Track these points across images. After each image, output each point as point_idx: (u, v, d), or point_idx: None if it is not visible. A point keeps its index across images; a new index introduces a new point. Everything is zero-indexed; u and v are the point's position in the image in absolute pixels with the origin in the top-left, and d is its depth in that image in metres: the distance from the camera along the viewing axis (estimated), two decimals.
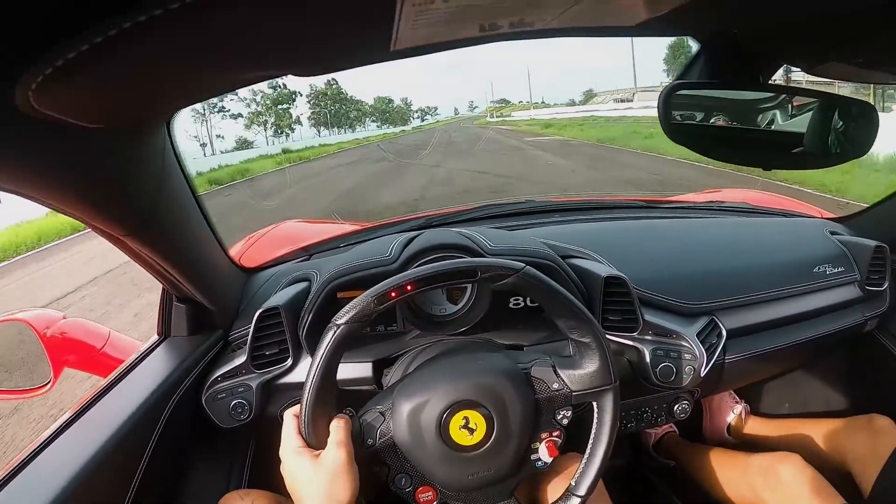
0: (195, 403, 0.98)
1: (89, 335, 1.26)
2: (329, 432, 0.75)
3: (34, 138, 0.47)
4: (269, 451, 0.85)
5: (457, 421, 0.77)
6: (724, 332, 1.13)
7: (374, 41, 0.47)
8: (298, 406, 0.76)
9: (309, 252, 1.35)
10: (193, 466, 1.01)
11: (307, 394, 0.73)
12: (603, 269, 1.05)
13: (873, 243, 1.36)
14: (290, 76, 0.57)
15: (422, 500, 0.80)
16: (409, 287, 0.74)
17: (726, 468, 1.29)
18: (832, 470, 1.21)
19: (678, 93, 0.75)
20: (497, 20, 0.48)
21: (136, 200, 0.71)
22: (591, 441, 0.82)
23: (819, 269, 1.30)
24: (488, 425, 0.78)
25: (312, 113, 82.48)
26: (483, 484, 0.81)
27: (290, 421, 0.77)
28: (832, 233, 1.43)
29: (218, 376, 0.99)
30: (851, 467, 1.22)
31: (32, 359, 1.18)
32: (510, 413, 0.79)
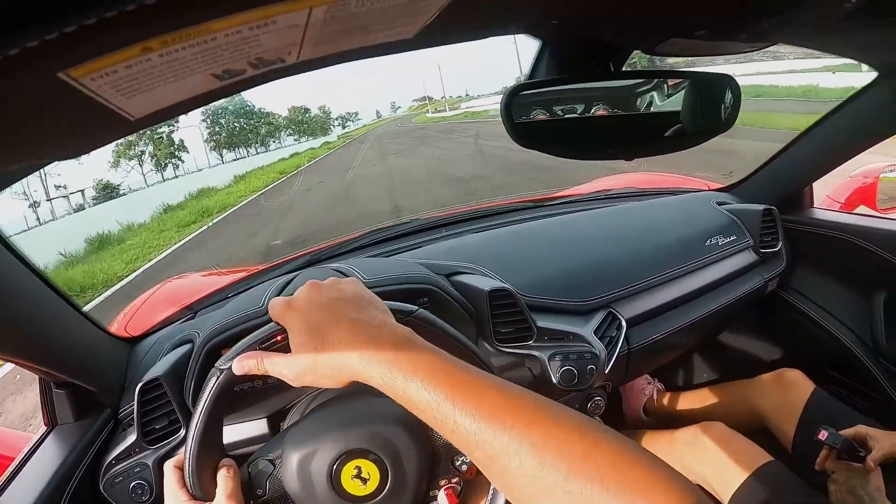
0: (94, 492, 0.91)
1: None
2: (216, 483, 0.69)
3: None
4: None
5: (349, 470, 0.73)
6: (623, 323, 1.14)
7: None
8: (182, 457, 0.70)
9: (194, 310, 1.27)
10: None
11: (190, 443, 0.68)
12: (487, 283, 1.03)
13: (761, 207, 1.40)
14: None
15: None
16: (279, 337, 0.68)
17: (654, 447, 1.31)
18: (754, 429, 1.25)
19: (523, 93, 0.73)
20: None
21: None
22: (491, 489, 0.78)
23: (711, 241, 1.33)
24: (382, 474, 0.74)
25: (211, 133, 65.25)
26: None
27: (172, 474, 0.70)
28: (720, 203, 1.46)
29: (112, 459, 0.92)
30: (770, 424, 1.27)
31: None
32: (405, 461, 0.75)
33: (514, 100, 0.71)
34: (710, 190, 1.63)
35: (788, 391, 1.26)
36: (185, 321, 1.20)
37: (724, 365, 1.64)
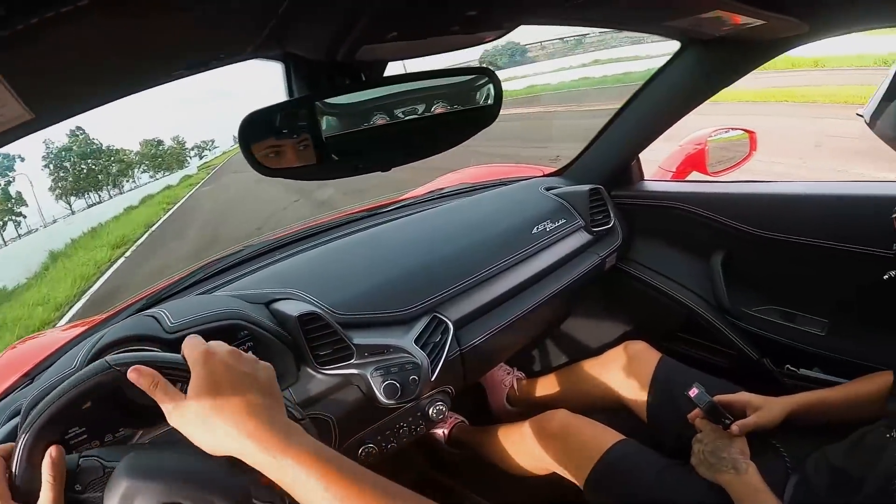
0: None
1: None
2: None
3: None
4: None
5: None
6: (450, 325, 1.11)
7: None
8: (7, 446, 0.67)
9: (31, 376, 1.16)
10: None
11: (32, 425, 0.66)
12: (298, 308, 0.99)
13: (588, 187, 1.42)
14: None
15: None
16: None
17: (508, 443, 1.31)
18: (609, 406, 1.23)
19: (254, 124, 0.71)
20: None
21: None
22: None
23: (538, 228, 1.33)
24: None
25: (56, 180, 57.67)
26: None
27: None
28: (548, 188, 1.47)
29: None
30: (623, 398, 1.27)
31: None
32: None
33: (249, 133, 0.69)
34: (541, 176, 1.64)
35: (634, 364, 1.27)
36: (24, 388, 1.11)
37: (580, 345, 1.67)
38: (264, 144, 0.72)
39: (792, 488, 0.91)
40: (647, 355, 1.27)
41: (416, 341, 1.04)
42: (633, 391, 1.25)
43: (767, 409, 1.01)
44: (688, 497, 0.97)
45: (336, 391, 1.01)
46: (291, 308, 1.00)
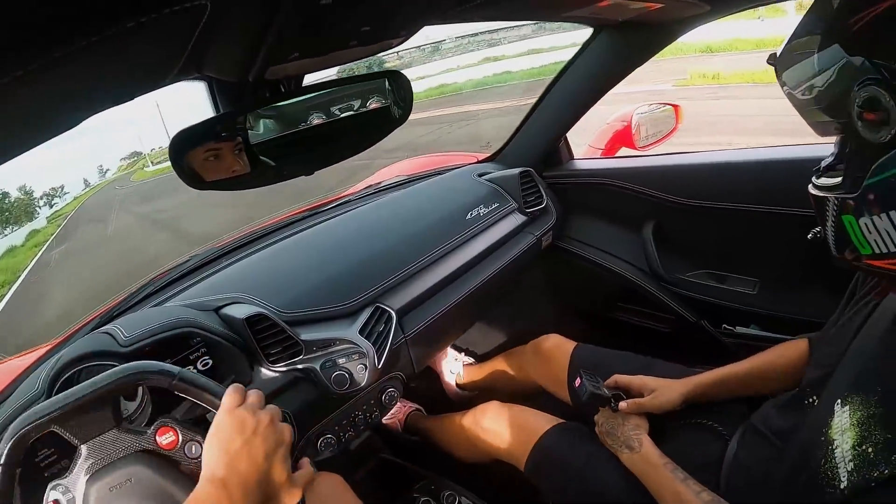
0: None
1: None
2: None
3: None
4: None
5: None
6: (392, 314, 1.15)
7: None
8: None
9: None
10: None
11: None
12: (245, 311, 1.03)
13: (518, 170, 1.47)
14: None
15: None
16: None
17: (452, 433, 1.36)
18: (538, 390, 1.29)
19: (184, 141, 0.74)
20: None
21: None
22: None
23: (472, 214, 1.38)
24: None
25: None
26: None
27: None
28: (480, 175, 1.52)
29: None
30: (548, 389, 1.33)
31: None
32: None
33: (180, 149, 0.73)
34: (474, 163, 1.69)
35: (550, 358, 1.31)
36: None
37: (525, 325, 1.71)
38: (197, 158, 0.76)
39: (728, 464, 0.94)
40: (561, 348, 1.31)
41: (361, 332, 1.08)
42: (556, 382, 1.29)
43: (662, 391, 1.04)
44: (615, 480, 1.00)
45: (290, 387, 1.04)
46: (239, 311, 1.03)
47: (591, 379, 1.09)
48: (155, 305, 1.19)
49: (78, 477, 0.77)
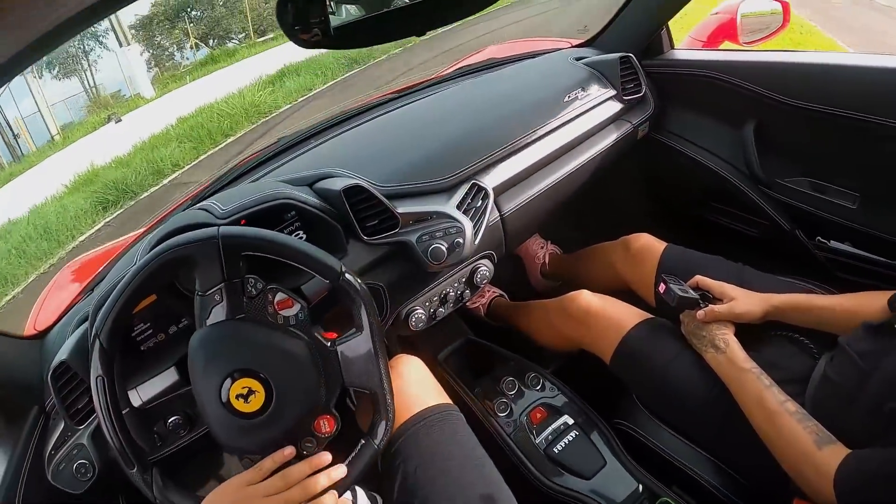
0: (45, 485, 0.94)
1: None
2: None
3: None
4: (139, 499, 0.83)
5: (236, 388, 0.77)
6: (489, 192, 1.13)
7: None
8: None
9: (91, 287, 1.24)
10: None
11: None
12: (341, 183, 1.01)
13: (617, 55, 1.39)
14: None
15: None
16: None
17: (537, 320, 1.36)
18: (622, 288, 1.27)
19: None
20: None
21: None
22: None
23: (569, 96, 1.32)
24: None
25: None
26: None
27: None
28: (578, 58, 1.44)
29: (51, 450, 0.95)
30: (631, 287, 1.30)
31: None
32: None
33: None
34: (569, 47, 1.61)
35: (639, 258, 1.28)
36: (86, 299, 1.18)
37: (612, 219, 1.68)
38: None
39: (815, 383, 0.91)
40: (651, 248, 1.26)
41: (458, 207, 1.06)
42: (642, 282, 1.26)
43: (742, 301, 1.00)
44: (698, 380, 0.99)
45: (385, 260, 1.04)
46: (335, 184, 1.03)
47: (675, 282, 1.05)
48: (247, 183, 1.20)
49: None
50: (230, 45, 18.34)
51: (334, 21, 0.78)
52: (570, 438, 1.13)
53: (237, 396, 0.77)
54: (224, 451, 0.84)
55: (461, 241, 1.02)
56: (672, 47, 1.54)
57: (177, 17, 18.77)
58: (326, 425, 0.83)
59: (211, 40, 19.43)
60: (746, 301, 1.00)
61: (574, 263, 1.55)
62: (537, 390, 1.21)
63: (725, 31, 1.70)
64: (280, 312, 0.85)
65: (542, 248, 1.64)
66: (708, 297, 1.04)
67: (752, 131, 1.40)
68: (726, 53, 1.51)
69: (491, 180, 1.15)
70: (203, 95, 10.39)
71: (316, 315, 0.88)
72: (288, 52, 11.14)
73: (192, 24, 19.05)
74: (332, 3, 0.82)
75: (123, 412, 0.78)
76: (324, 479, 0.77)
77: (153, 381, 0.91)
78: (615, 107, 1.38)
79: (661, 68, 1.49)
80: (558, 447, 1.12)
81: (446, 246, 1.01)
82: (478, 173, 1.15)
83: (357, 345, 0.82)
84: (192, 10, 19.24)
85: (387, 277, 1.05)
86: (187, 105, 10.24)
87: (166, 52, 18.77)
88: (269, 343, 0.80)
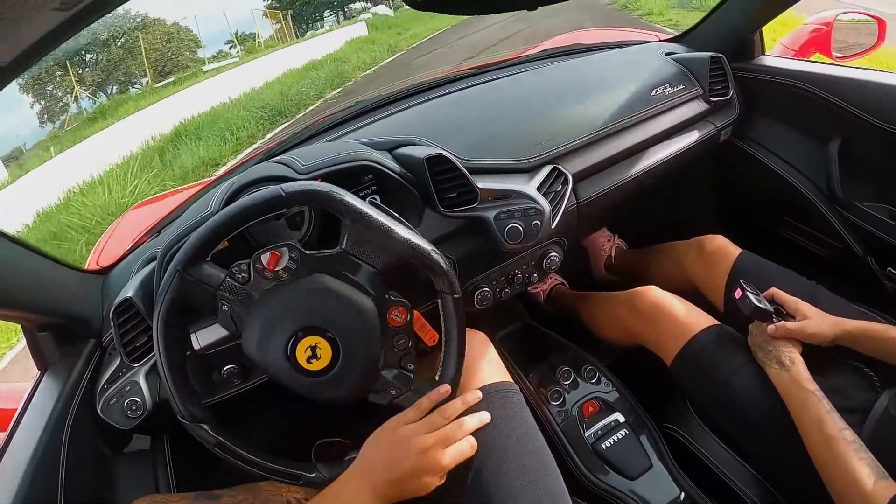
0: (94, 418, 0.96)
1: None
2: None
3: None
4: (185, 438, 0.84)
5: (303, 346, 0.78)
6: (569, 177, 1.11)
7: None
8: None
9: (158, 229, 1.28)
10: (118, 478, 1.00)
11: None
12: (424, 151, 1.01)
13: (708, 55, 1.36)
14: None
15: None
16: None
17: (600, 311, 1.33)
18: (690, 289, 1.23)
19: None
20: None
21: None
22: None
23: (657, 91, 1.29)
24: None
25: None
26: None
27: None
28: (668, 53, 1.41)
29: (104, 384, 0.97)
30: (700, 290, 1.26)
31: None
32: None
33: None
34: (659, 41, 1.57)
35: (712, 260, 1.24)
36: (151, 241, 1.21)
37: (683, 220, 1.64)
38: None
39: (876, 418, 0.88)
40: (726, 252, 1.23)
41: (538, 189, 1.05)
42: (711, 285, 1.23)
43: (815, 321, 0.97)
44: (759, 395, 0.96)
45: (459, 234, 1.04)
46: (418, 151, 1.02)
47: (752, 290, 1.02)
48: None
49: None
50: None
51: None
52: (619, 437, 1.12)
53: (307, 359, 0.79)
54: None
55: (539, 223, 1.00)
56: (763, 53, 1.49)
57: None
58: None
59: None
60: (819, 322, 0.97)
61: (641, 259, 1.52)
62: (592, 383, 1.20)
63: (818, 42, 1.65)
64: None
65: (608, 240, 1.62)
66: (781, 312, 1.01)
67: (836, 149, 1.35)
68: (819, 66, 1.45)
69: (572, 166, 1.13)
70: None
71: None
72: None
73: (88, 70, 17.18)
74: None
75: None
76: (475, 419, 0.82)
77: (214, 328, 0.92)
78: (700, 107, 1.35)
79: (749, 73, 1.45)
80: (606, 443, 1.11)
81: (523, 227, 1.00)
82: (560, 157, 1.13)
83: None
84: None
85: (459, 251, 1.04)
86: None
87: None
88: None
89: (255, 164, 1.23)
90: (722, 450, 1.05)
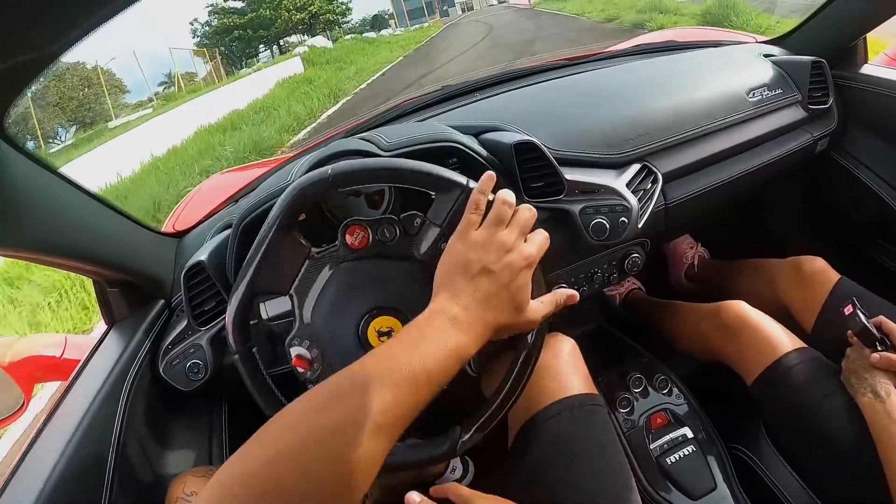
0: (154, 376, 0.99)
1: (46, 347, 1.33)
2: None
3: None
4: (241, 409, 0.88)
5: (375, 325, 0.78)
6: (659, 176, 1.07)
7: None
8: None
9: (235, 199, 1.30)
10: (173, 439, 1.02)
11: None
12: (513, 137, 0.98)
13: (810, 59, 1.29)
14: None
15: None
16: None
17: (680, 321, 1.28)
18: (778, 310, 1.16)
19: None
20: None
21: None
22: None
23: (754, 94, 1.23)
24: None
25: None
26: None
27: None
28: (766, 55, 1.34)
29: (168, 344, 1.00)
30: (792, 311, 1.20)
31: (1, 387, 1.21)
32: None
33: None
34: (757, 42, 1.51)
35: (809, 282, 1.17)
36: (228, 208, 1.24)
37: (769, 233, 1.59)
38: None
39: None
40: (825, 276, 1.15)
41: (628, 186, 1.01)
42: (804, 307, 1.16)
43: None
44: (846, 426, 0.91)
45: (542, 224, 1.00)
46: (506, 137, 0.99)
47: (863, 311, 0.95)
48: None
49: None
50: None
51: None
52: (686, 453, 1.06)
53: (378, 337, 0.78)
54: None
55: (626, 220, 0.97)
56: (866, 61, 1.41)
57: None
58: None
59: None
60: None
61: (726, 271, 1.45)
62: (663, 394, 1.15)
63: None
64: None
65: (691, 248, 1.56)
66: (885, 342, 0.94)
67: None
68: None
69: (663, 165, 1.09)
70: None
71: None
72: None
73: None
74: None
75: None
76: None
77: (281, 300, 0.91)
78: (798, 114, 1.28)
79: (851, 82, 1.36)
80: (671, 458, 1.05)
81: (609, 223, 0.96)
82: (651, 155, 1.09)
83: None
84: None
85: None
86: None
87: None
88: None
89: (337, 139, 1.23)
90: (793, 479, 0.98)
